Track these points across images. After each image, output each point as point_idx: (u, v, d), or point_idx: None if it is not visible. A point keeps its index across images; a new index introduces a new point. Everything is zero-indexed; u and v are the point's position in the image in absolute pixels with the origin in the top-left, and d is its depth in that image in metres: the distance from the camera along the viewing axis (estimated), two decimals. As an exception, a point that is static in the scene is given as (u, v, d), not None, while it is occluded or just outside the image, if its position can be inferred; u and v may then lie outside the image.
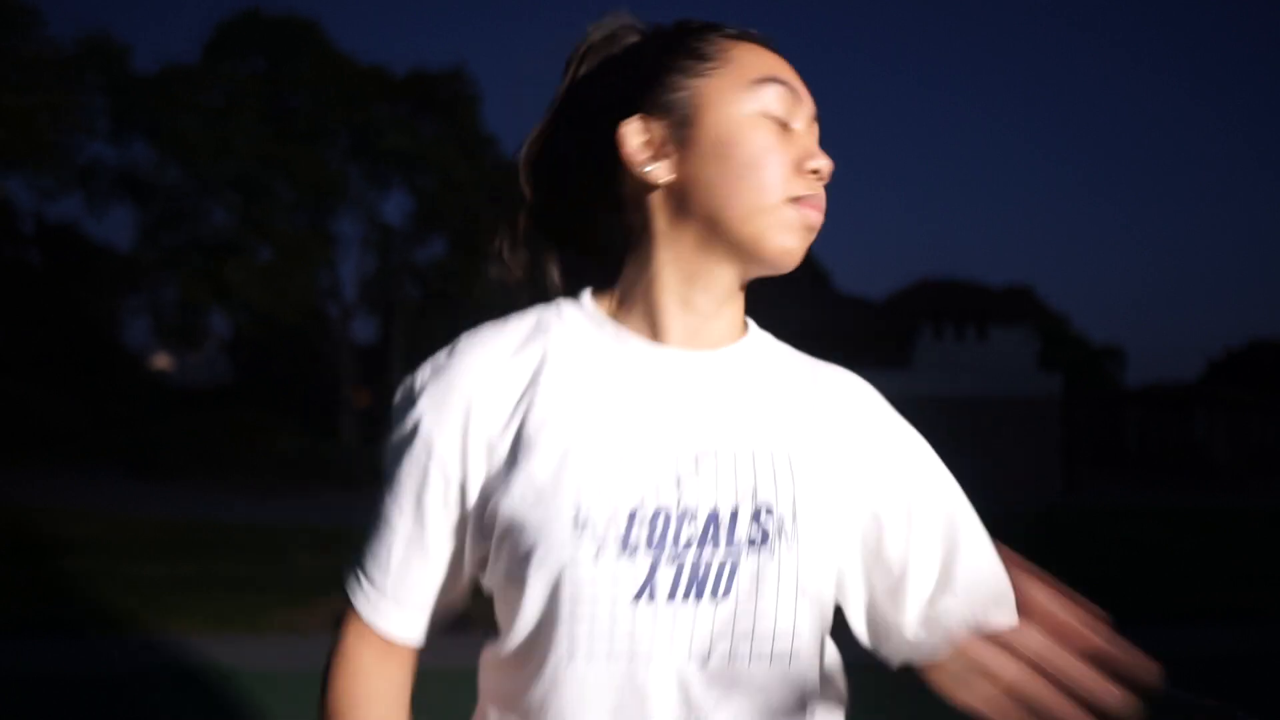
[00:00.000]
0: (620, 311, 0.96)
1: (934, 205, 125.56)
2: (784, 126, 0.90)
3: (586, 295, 0.99)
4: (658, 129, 0.91)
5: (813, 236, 0.94)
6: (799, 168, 0.90)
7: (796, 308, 27.16)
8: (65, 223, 26.62)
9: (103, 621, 5.81)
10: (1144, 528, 13.07)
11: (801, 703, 0.87)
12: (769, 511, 0.86)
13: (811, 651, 0.88)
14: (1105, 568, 9.07)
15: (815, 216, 0.92)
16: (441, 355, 0.93)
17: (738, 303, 1.00)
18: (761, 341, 1.05)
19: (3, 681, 4.36)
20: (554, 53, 1.07)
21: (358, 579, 0.94)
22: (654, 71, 0.92)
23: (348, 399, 21.98)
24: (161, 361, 72.41)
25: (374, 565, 0.93)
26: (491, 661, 0.94)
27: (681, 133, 0.91)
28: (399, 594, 0.92)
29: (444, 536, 0.91)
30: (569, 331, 0.93)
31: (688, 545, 0.82)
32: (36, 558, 7.98)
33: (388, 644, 0.93)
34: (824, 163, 0.90)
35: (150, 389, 36.66)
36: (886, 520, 0.96)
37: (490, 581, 0.91)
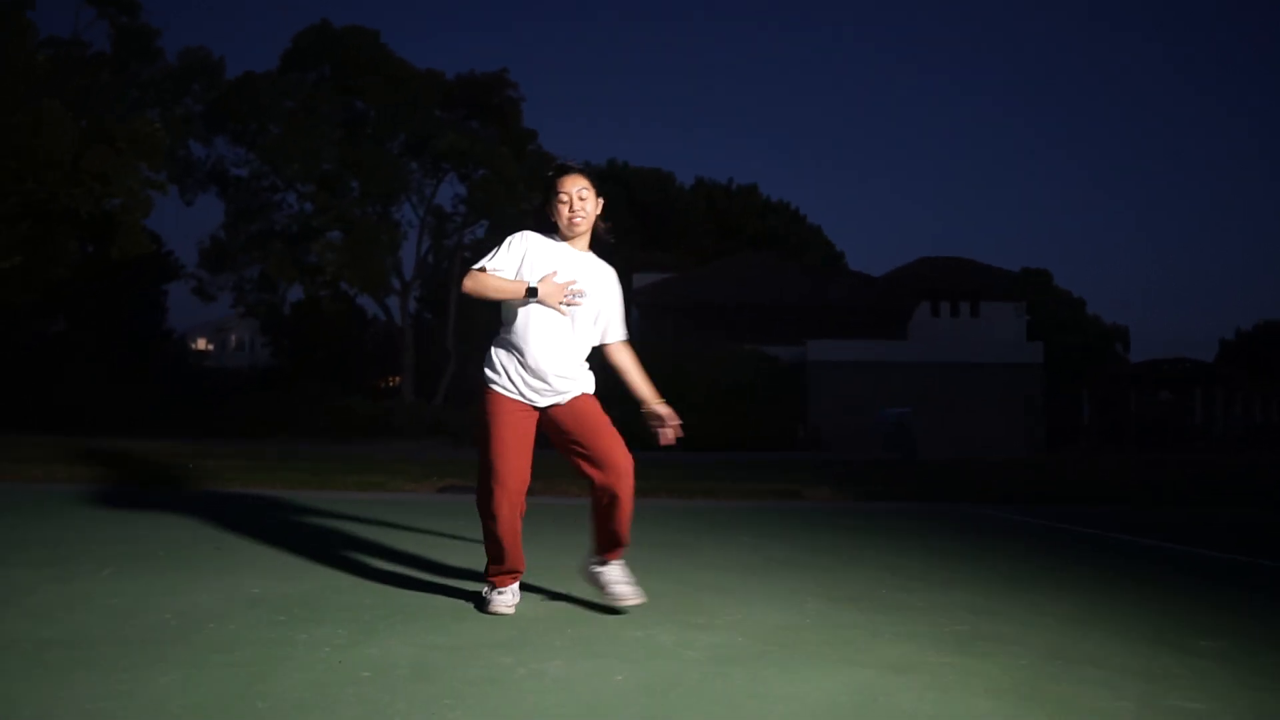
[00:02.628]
0: (557, 235, 3.54)
1: (955, 192, 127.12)
2: (564, 199, 3.46)
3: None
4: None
5: (574, 227, 3.46)
6: (570, 208, 3.46)
7: (799, 283, 29.61)
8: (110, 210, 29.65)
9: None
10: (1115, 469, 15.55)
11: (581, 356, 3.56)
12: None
13: (589, 339, 3.57)
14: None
15: (573, 222, 3.47)
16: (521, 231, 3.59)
17: (585, 235, 3.56)
18: (590, 253, 3.61)
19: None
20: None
21: (483, 263, 3.49)
22: (548, 187, 3.56)
23: (410, 364, 24.98)
24: (200, 345, 75.53)
25: (490, 261, 3.46)
26: (504, 336, 3.49)
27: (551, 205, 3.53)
28: (498, 268, 3.46)
29: (512, 268, 3.47)
30: (547, 239, 3.52)
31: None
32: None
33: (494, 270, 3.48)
34: (575, 210, 3.44)
35: (199, 369, 39.56)
36: (605, 308, 3.59)
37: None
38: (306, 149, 21.72)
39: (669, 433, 3.59)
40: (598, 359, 3.67)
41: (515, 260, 3.41)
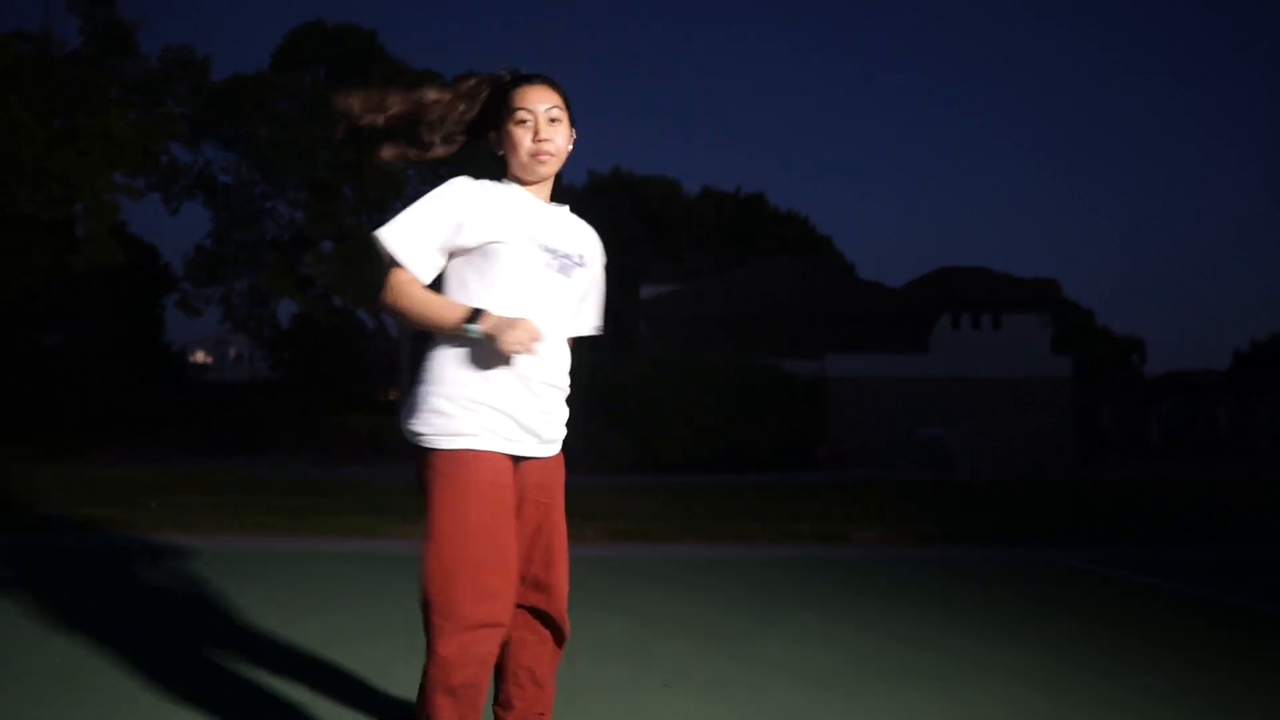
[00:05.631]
0: (509, 179, 2.20)
1: (962, 201, 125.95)
2: (524, 118, 2.13)
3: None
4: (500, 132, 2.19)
5: (539, 165, 2.14)
6: (535, 135, 2.13)
7: (821, 293, 28.55)
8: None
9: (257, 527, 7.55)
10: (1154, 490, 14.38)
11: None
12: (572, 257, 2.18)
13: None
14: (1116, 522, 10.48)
15: (538, 157, 2.13)
16: (458, 178, 2.14)
17: (548, 183, 2.22)
18: (564, 207, 2.28)
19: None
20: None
21: (399, 253, 2.05)
22: (499, 102, 2.19)
23: (407, 380, 23.80)
24: (199, 358, 74.84)
25: (403, 242, 2.05)
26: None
27: (501, 131, 2.18)
28: (421, 259, 2.05)
29: (437, 245, 2.07)
30: (502, 187, 2.16)
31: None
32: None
33: (413, 276, 2.04)
34: (542, 136, 2.12)
35: (197, 383, 38.71)
36: (590, 289, 2.27)
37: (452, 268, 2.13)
38: (299, 153, 20.52)
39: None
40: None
41: (446, 231, 2.08)
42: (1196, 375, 44.25)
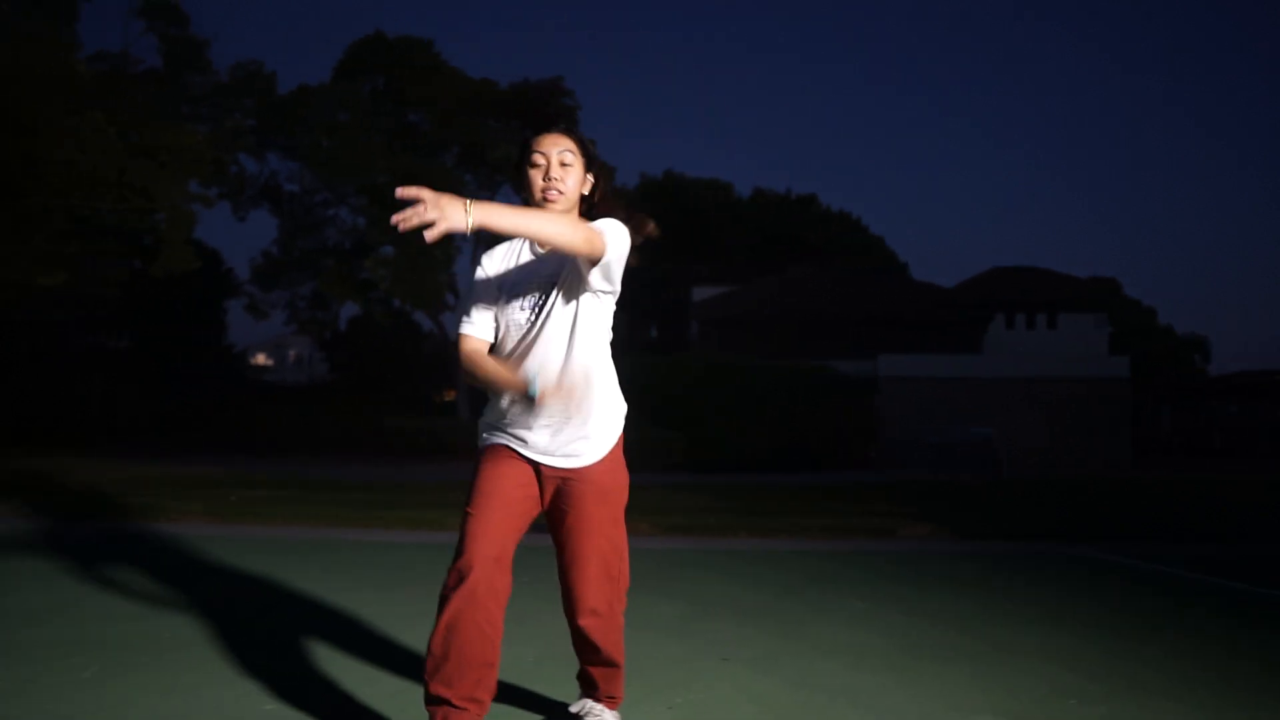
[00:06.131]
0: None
1: (1018, 200, 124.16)
2: (538, 162, 2.46)
3: None
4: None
5: (547, 203, 2.43)
6: (545, 175, 2.45)
7: (873, 294, 28.56)
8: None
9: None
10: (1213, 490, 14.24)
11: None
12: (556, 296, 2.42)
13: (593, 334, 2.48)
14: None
15: (548, 194, 2.44)
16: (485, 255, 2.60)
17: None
18: None
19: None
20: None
21: (463, 323, 2.51)
22: (520, 151, 2.54)
23: (464, 381, 24.34)
24: (260, 360, 76.61)
25: (469, 318, 2.49)
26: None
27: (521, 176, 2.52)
28: (480, 326, 2.49)
29: (487, 317, 2.50)
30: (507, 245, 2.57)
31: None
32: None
33: (479, 341, 2.47)
34: (552, 177, 2.44)
35: (258, 383, 39.68)
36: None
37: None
38: (359, 162, 21.17)
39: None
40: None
41: (488, 300, 2.52)
42: (1262, 375, 43.19)
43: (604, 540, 2.55)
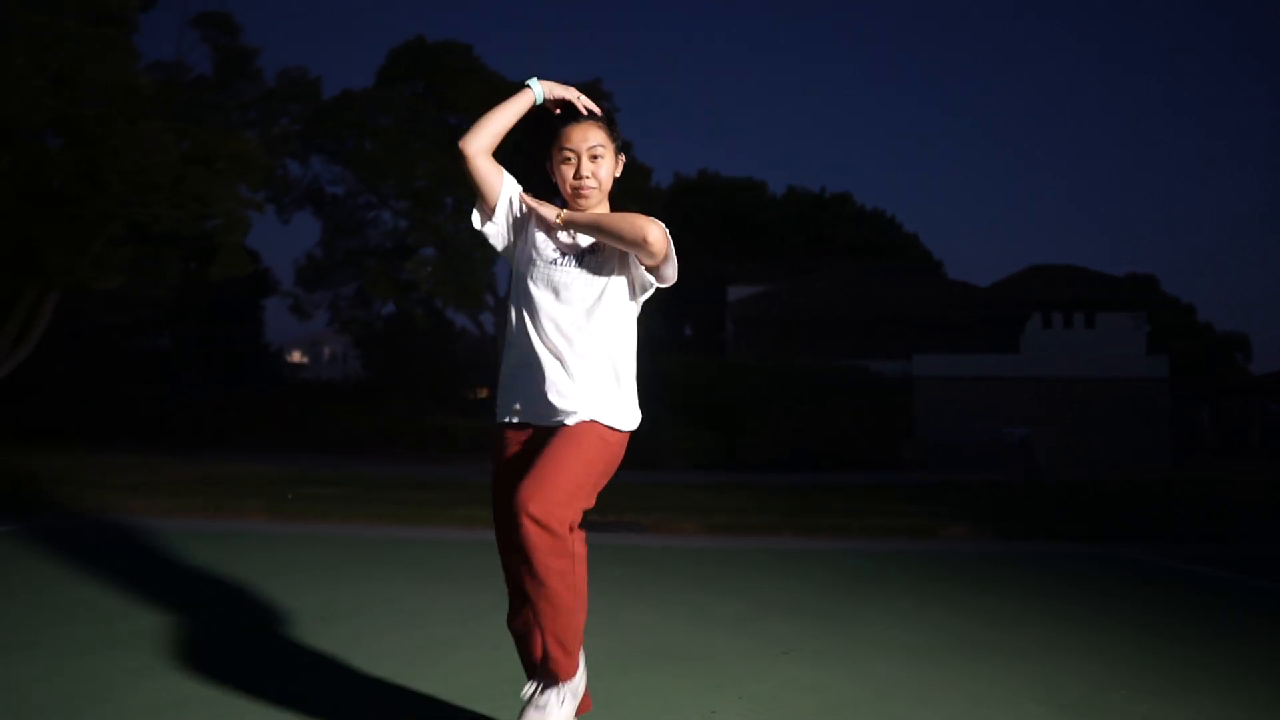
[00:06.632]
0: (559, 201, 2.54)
1: (1054, 197, 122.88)
2: (569, 156, 2.46)
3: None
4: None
5: (580, 199, 2.46)
6: (576, 171, 2.46)
7: (908, 293, 28.56)
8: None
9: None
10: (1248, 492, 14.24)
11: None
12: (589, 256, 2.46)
13: (611, 319, 2.46)
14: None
15: (581, 192, 2.45)
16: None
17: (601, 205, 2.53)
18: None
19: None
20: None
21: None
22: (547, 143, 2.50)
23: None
24: (296, 358, 77.64)
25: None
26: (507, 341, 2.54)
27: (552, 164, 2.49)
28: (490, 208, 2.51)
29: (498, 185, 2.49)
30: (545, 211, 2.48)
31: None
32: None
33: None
34: (584, 173, 2.44)
35: (295, 381, 40.26)
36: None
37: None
38: (401, 165, 21.61)
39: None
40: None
41: (508, 190, 2.52)
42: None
43: (575, 450, 2.34)
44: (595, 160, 2.45)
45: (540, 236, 2.50)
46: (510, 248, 2.58)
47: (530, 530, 2.18)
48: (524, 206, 2.52)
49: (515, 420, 2.48)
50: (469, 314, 25.00)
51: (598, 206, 2.51)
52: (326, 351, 79.00)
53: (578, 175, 2.45)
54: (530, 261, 2.49)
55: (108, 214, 14.34)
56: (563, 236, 2.49)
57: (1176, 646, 4.18)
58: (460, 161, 2.50)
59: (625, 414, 2.47)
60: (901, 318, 26.98)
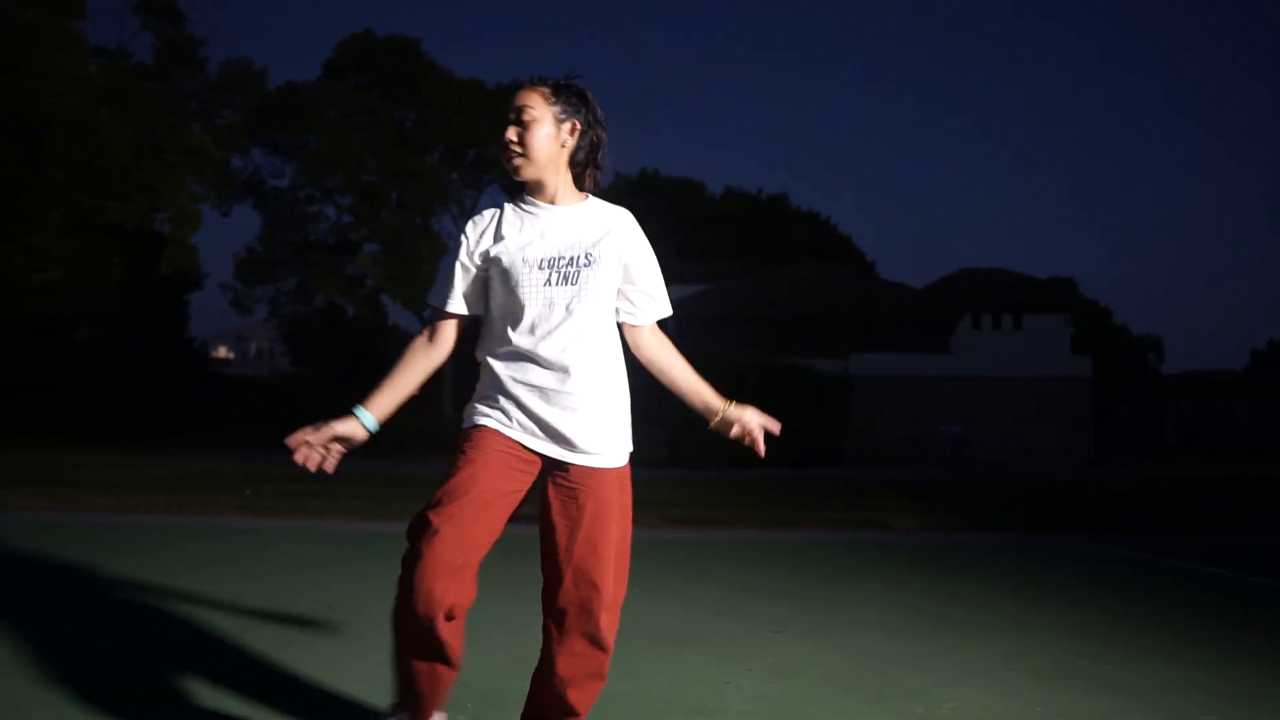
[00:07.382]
0: (531, 193, 2.25)
1: (981, 199, 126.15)
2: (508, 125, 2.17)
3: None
4: None
5: (513, 165, 2.18)
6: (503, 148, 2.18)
7: (844, 294, 29.20)
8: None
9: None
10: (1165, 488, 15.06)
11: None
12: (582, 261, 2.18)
13: (605, 321, 2.25)
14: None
15: (510, 159, 2.19)
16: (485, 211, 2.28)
17: (562, 183, 2.25)
18: (589, 201, 2.30)
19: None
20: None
21: (430, 299, 2.28)
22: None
23: (448, 376, 24.67)
24: (221, 353, 75.97)
25: (439, 292, 2.23)
26: (490, 338, 2.22)
27: None
28: (454, 302, 2.20)
29: (464, 285, 2.20)
30: (519, 209, 2.23)
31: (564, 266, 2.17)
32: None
33: (446, 316, 2.22)
34: (507, 142, 2.17)
35: (222, 379, 39.47)
36: (625, 272, 2.30)
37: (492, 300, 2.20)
38: (347, 159, 21.47)
39: (760, 437, 2.51)
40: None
41: (469, 267, 2.23)
42: (1214, 375, 44.65)
43: (620, 536, 2.32)
44: (526, 126, 2.16)
45: (515, 243, 2.20)
46: (482, 274, 2.26)
47: (582, 647, 2.19)
48: (480, 251, 2.24)
49: (512, 436, 2.20)
50: (416, 311, 24.94)
51: (542, 174, 2.21)
52: (253, 347, 77.36)
53: (503, 145, 2.19)
54: (515, 268, 2.18)
55: (47, 203, 14.03)
56: (553, 241, 2.20)
57: (1126, 619, 4.60)
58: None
59: (628, 439, 2.41)
60: (838, 317, 27.62)
